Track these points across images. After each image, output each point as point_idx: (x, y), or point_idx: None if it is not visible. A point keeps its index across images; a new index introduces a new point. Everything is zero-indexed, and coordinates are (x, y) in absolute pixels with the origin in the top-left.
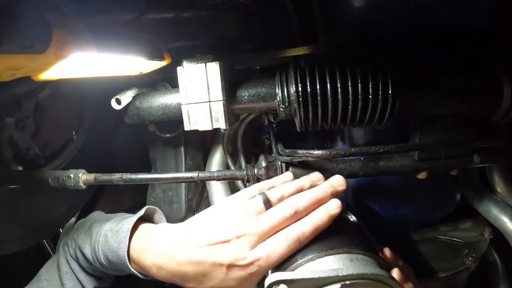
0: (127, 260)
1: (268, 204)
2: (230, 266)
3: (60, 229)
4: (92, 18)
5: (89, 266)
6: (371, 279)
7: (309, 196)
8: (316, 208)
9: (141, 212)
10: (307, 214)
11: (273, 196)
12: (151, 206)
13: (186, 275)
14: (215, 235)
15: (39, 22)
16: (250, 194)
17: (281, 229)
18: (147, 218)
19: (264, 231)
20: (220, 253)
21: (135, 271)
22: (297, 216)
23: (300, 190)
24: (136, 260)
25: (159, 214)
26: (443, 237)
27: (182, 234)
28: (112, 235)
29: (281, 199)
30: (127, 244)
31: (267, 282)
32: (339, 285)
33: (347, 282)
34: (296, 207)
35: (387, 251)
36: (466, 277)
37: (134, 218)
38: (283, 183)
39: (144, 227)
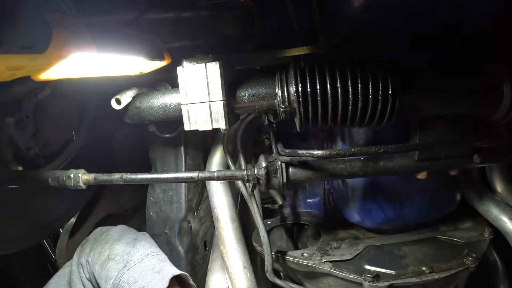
0: None
1: None
2: None
3: (60, 229)
4: (92, 18)
5: None
6: None
7: None
8: None
9: (175, 272)
10: None
11: None
12: (185, 273)
13: None
14: None
15: (39, 22)
16: None
17: None
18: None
19: None
20: None
21: None
22: None
23: None
24: None
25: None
26: (443, 237)
27: None
28: None
29: None
30: None
31: None
32: None
33: None
34: None
35: None
36: (466, 277)
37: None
38: None
39: None
